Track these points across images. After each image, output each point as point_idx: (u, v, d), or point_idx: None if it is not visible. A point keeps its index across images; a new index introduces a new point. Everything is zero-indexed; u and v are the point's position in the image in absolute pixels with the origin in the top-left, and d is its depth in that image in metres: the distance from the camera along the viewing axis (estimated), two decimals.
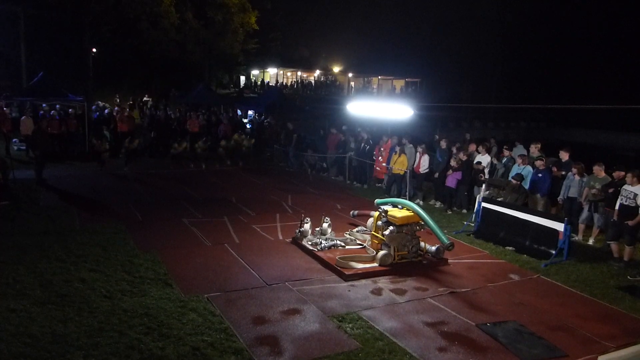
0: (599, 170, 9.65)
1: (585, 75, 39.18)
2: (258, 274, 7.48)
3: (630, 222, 8.34)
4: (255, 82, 50.71)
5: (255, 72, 52.32)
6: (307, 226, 9.08)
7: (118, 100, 26.18)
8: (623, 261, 8.59)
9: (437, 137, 14.88)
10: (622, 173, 9.02)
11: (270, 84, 49.09)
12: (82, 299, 6.27)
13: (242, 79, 50.75)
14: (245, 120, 24.93)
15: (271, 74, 53.89)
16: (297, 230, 9.06)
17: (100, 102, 23.32)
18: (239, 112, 26.53)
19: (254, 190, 13.71)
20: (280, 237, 9.45)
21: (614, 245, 8.81)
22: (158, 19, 28.90)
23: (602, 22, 40.12)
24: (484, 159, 12.02)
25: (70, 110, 18.36)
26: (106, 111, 20.68)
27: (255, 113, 25.66)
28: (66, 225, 9.46)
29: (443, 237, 8.06)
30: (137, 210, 10.86)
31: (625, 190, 8.49)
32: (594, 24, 40.17)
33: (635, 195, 8.28)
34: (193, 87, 29.42)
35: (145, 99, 29.59)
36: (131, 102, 25.17)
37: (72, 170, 15.17)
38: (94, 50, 30.70)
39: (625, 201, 8.44)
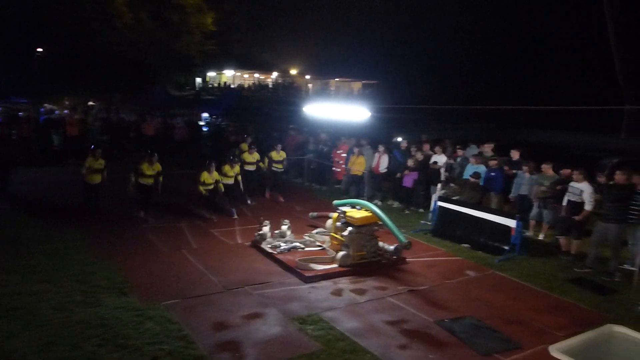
0: (547, 169, 10.08)
1: (538, 77, 40.67)
2: (217, 279, 7.36)
3: (577, 217, 8.76)
4: (212, 84, 49.98)
5: (212, 73, 51.59)
6: (266, 229, 9.02)
7: (67, 103, 25.02)
8: (571, 254, 9.02)
9: (399, 138, 15.11)
10: (569, 171, 9.46)
11: (229, 86, 48.57)
12: (30, 312, 5.95)
13: (198, 80, 49.91)
14: (201, 123, 24.42)
15: (228, 75, 53.29)
16: (257, 234, 8.99)
17: (47, 105, 22.27)
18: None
19: None
20: (240, 241, 9.33)
21: (562, 240, 9.25)
22: (111, 18, 28.10)
23: (553, 23, 41.73)
24: (440, 158, 12.32)
25: (20, 113, 17.48)
26: (56, 112, 19.79)
27: (210, 115, 25.15)
28: (15, 234, 8.96)
29: (401, 237, 8.19)
30: (92, 216, 10.43)
31: (572, 187, 8.90)
32: (546, 26, 41.72)
33: (582, 191, 8.69)
34: (149, 89, 28.67)
35: (90, 103, 28.23)
36: (72, 107, 23.25)
37: (22, 175, 14.38)
38: (40, 49, 29.39)
39: (572, 197, 8.85)
